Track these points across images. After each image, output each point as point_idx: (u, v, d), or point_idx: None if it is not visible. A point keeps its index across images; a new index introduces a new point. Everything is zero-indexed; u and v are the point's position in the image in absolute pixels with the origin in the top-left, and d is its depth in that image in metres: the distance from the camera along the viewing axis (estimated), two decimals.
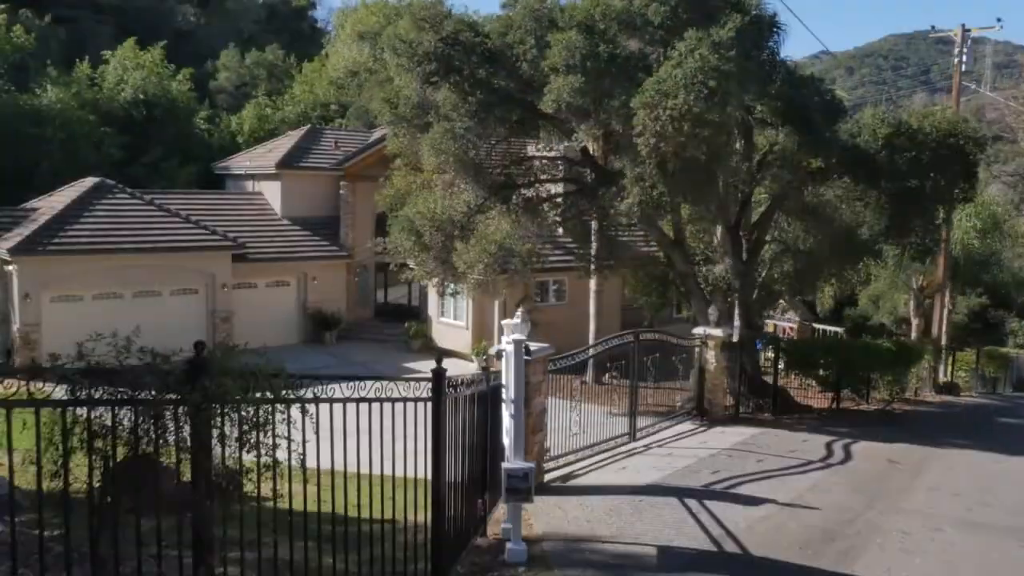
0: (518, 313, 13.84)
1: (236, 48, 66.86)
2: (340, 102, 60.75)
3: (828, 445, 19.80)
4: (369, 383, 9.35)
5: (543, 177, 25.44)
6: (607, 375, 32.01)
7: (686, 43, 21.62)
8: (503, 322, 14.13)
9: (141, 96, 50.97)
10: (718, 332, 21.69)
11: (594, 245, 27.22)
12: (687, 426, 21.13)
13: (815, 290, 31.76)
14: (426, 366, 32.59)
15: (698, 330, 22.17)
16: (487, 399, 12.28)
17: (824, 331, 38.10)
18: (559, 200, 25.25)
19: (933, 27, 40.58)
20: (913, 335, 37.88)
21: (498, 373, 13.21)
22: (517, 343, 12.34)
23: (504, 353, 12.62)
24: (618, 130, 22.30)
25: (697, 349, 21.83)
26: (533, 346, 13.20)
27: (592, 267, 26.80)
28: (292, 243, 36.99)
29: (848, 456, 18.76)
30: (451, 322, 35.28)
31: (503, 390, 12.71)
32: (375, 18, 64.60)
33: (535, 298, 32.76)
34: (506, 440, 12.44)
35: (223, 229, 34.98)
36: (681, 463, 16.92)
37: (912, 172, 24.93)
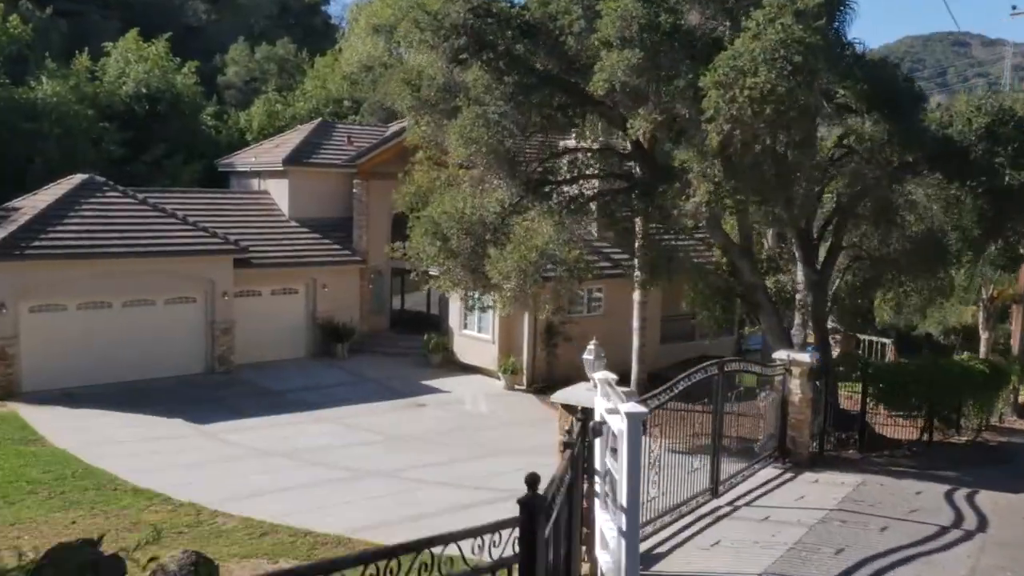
0: (591, 348, 10.00)
1: (246, 42, 63.09)
2: (354, 98, 56.99)
3: (948, 498, 15.97)
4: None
5: (588, 172, 21.51)
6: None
7: (765, 11, 17.85)
8: (595, 377, 10.25)
9: (144, 90, 47.32)
10: (804, 358, 17.81)
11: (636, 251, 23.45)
12: (771, 471, 17.28)
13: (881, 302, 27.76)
14: (449, 384, 28.80)
15: (780, 355, 18.27)
16: (572, 487, 8.43)
17: (869, 343, 34.25)
18: (606, 200, 21.26)
19: (1014, 7, 36.76)
20: (982, 351, 33.85)
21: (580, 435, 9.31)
22: (634, 420, 8.44)
23: (609, 432, 8.71)
24: (684, 114, 18.43)
25: (779, 378, 17.90)
26: (631, 408, 9.17)
27: (644, 276, 22.88)
28: (300, 247, 33.21)
29: (982, 517, 14.84)
30: (475, 335, 31.44)
31: (600, 479, 8.83)
32: (390, 11, 60.95)
33: (567, 309, 28.84)
34: (606, 556, 8.55)
35: (224, 231, 31.27)
36: (789, 535, 13.05)
37: (1018, 165, 21.01)
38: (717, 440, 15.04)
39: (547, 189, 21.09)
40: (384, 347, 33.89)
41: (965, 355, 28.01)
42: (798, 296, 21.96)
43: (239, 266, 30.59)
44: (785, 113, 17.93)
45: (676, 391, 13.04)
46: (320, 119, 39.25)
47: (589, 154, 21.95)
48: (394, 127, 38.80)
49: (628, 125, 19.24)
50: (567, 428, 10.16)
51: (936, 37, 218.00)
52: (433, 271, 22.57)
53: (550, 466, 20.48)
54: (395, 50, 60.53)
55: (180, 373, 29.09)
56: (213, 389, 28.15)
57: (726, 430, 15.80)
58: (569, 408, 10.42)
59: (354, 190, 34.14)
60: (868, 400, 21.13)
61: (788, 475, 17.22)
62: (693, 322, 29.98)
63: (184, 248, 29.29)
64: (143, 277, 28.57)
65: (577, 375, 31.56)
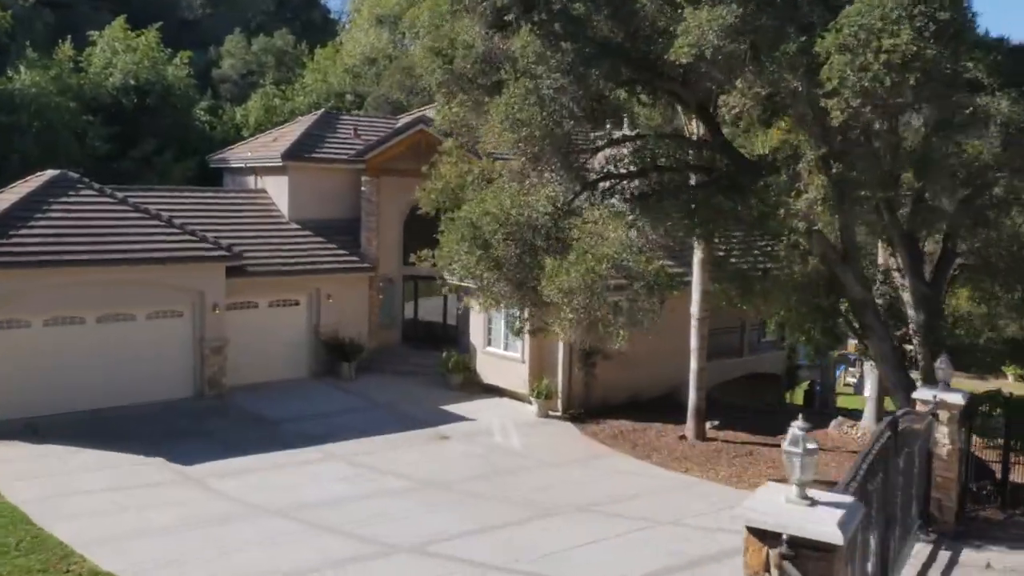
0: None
1: (242, 34, 58.74)
2: (357, 92, 52.76)
3: None
4: None
5: (661, 163, 17.23)
6: (709, 424, 23.94)
7: None
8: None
9: (132, 82, 43.05)
10: (955, 398, 13.59)
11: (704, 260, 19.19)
12: (919, 547, 12.97)
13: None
14: (473, 410, 24.02)
15: (923, 395, 14.06)
16: None
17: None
18: (682, 197, 16.92)
19: None
20: None
21: None
22: None
23: None
24: (797, 87, 14.18)
25: (921, 425, 13.64)
26: None
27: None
28: (302, 252, 28.89)
29: None
30: (501, 353, 27.19)
31: None
32: (394, 0, 56.84)
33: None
34: None
35: (216, 235, 27.02)
36: None
37: None
38: (886, 549, 10.69)
39: (608, 185, 16.80)
40: (396, 365, 29.60)
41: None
42: (910, 314, 17.73)
43: (233, 275, 26.31)
44: (927, 84, 13.78)
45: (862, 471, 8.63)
46: (323, 110, 34.94)
47: (666, 142, 17.63)
48: (405, 119, 34.56)
49: (721, 103, 14.97)
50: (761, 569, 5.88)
51: None
52: (468, 283, 18.35)
53: (620, 537, 16.53)
54: (400, 42, 56.58)
55: (164, 398, 24.82)
56: (201, 418, 23.88)
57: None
58: (759, 533, 6.14)
59: (362, 188, 29.86)
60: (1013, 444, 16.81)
61: (943, 551, 12.97)
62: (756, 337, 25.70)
63: (169, 255, 24.99)
64: (121, 288, 24.29)
65: (616, 398, 28.09)
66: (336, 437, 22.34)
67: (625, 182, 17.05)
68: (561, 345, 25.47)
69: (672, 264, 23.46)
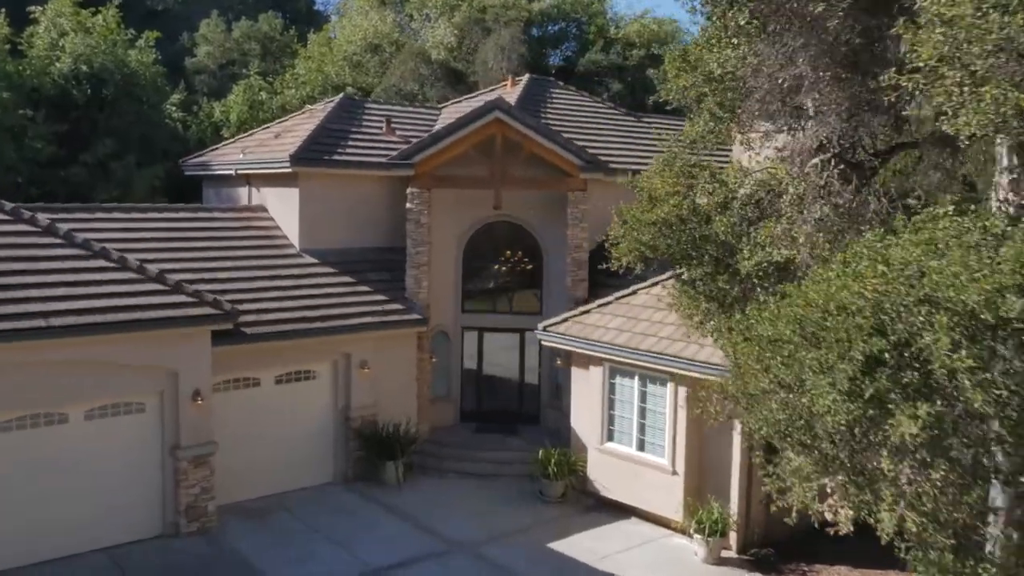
0: None
1: (221, 17, 48.39)
2: (358, 84, 42.54)
3: None
4: None
5: None
6: None
7: None
8: None
9: (85, 68, 32.53)
10: None
11: None
12: None
13: None
14: (600, 550, 12.05)
15: None
16: None
17: None
18: None
19: None
20: None
21: None
22: None
23: None
24: None
25: None
26: None
27: None
28: (321, 300, 18.96)
29: None
30: (632, 453, 17.43)
31: None
32: None
33: None
34: None
35: (195, 278, 17.15)
36: None
37: None
38: None
39: None
40: (460, 461, 19.71)
41: None
42: None
43: (222, 340, 16.41)
44: None
45: None
46: (342, 95, 24.78)
47: None
48: (451, 108, 24.68)
49: None
50: None
51: None
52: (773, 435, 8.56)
53: None
54: (407, 25, 46.57)
55: (113, 543, 15.09)
56: None
57: None
58: None
59: (408, 205, 19.90)
60: None
61: None
62: None
63: (122, 318, 14.98)
64: (43, 373, 14.30)
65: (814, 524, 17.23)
66: None
67: None
68: (736, 446, 15.79)
69: None
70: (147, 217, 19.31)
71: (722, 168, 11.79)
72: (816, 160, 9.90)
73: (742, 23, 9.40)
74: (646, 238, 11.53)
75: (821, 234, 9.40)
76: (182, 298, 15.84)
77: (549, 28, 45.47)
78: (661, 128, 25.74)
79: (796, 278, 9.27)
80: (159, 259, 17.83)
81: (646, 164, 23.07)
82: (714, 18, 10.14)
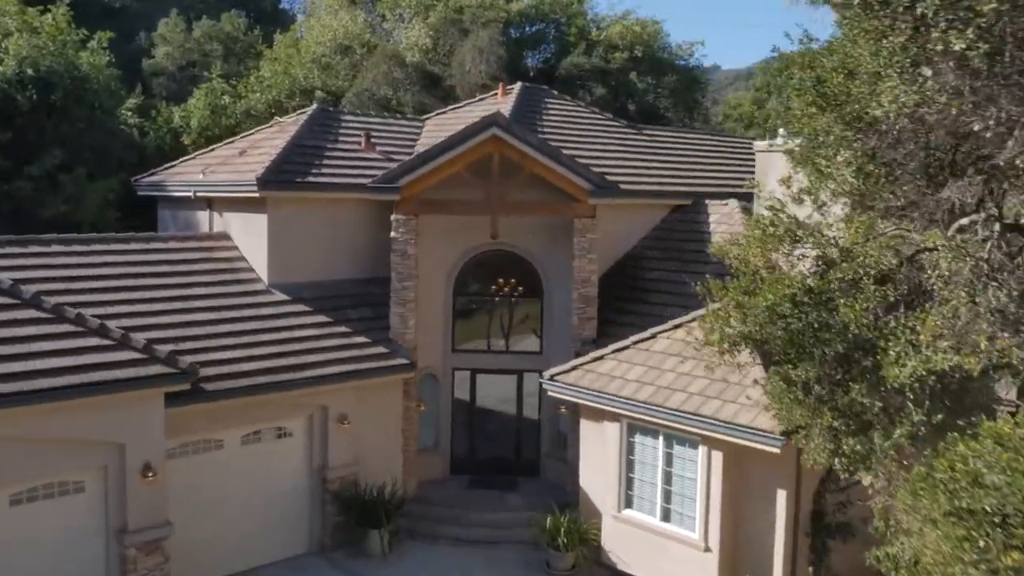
0: None
1: (180, 16, 45.32)
2: (328, 87, 39.70)
3: None
4: None
5: None
6: None
7: None
8: None
9: (31, 72, 29.46)
10: None
11: None
12: None
13: None
14: None
15: None
16: None
17: None
18: None
19: None
20: None
21: None
22: None
23: None
24: None
25: None
26: None
27: None
28: (294, 345, 16.33)
29: None
30: (653, 523, 15.01)
31: None
32: None
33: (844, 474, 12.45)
34: None
35: (146, 324, 14.44)
36: None
37: None
38: None
39: None
40: (453, 525, 17.16)
41: None
42: None
43: (178, 402, 13.74)
44: None
45: None
46: (316, 106, 21.98)
47: None
48: (435, 120, 22.17)
49: None
50: None
51: None
52: None
53: None
54: (379, 25, 43.79)
55: None
56: None
57: None
58: None
59: (392, 234, 17.27)
60: None
61: None
62: None
63: (54, 384, 12.23)
64: None
65: None
66: None
67: None
68: (781, 514, 13.46)
69: None
70: (91, 251, 16.47)
71: (838, 231, 9.11)
72: (964, 221, 7.46)
73: (959, 46, 6.69)
74: (749, 328, 8.83)
75: (1006, 333, 6.96)
76: (130, 355, 13.16)
77: (527, 29, 42.89)
78: (663, 141, 23.41)
79: (972, 398, 6.87)
80: (105, 301, 15.14)
81: (653, 183, 20.83)
82: (889, 38, 7.38)
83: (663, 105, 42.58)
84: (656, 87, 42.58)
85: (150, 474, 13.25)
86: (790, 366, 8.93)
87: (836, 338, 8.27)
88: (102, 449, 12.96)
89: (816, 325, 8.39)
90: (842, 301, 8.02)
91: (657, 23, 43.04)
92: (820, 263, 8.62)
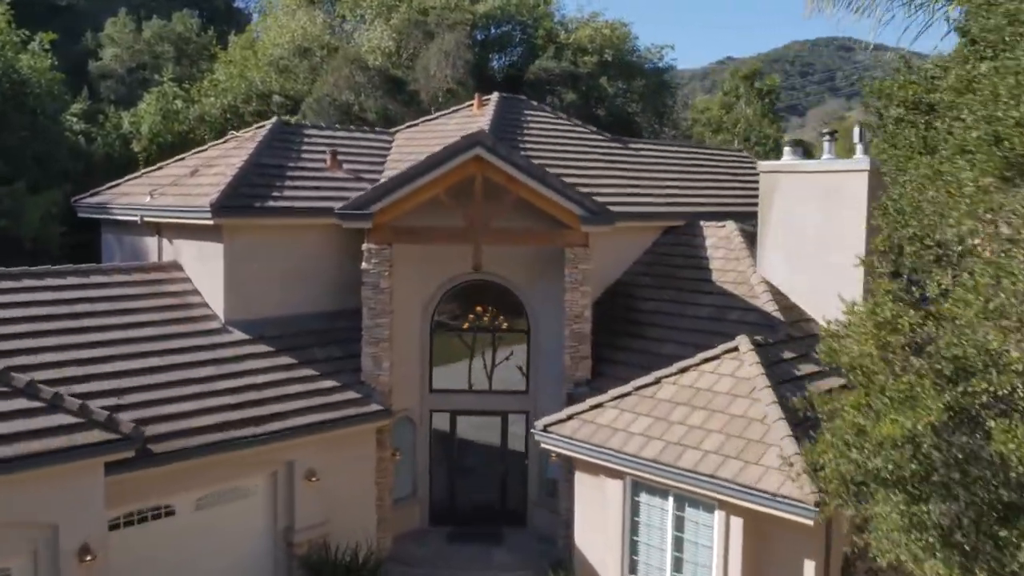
0: None
1: (129, 16, 42.84)
2: (286, 92, 37.55)
3: None
4: None
5: None
6: None
7: None
8: None
9: None
10: None
11: None
12: None
13: None
14: None
15: None
16: None
17: None
18: None
19: None
20: None
21: None
22: None
23: None
24: None
25: None
26: None
27: None
28: (254, 394, 14.41)
29: None
30: None
31: None
32: None
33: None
34: None
35: (83, 375, 12.49)
36: None
37: None
38: None
39: None
40: None
41: None
42: None
43: (120, 468, 11.75)
44: None
45: None
46: (275, 119, 19.87)
47: None
48: (405, 134, 20.33)
49: None
50: None
51: (821, 42, 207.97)
52: None
53: None
54: (340, 27, 41.65)
55: None
56: None
57: None
58: None
59: (364, 265, 15.39)
60: None
61: None
62: None
63: None
64: None
65: None
66: None
67: None
68: None
69: None
70: (20, 287, 14.38)
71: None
72: None
73: None
74: (874, 463, 6.82)
75: None
76: (63, 419, 11.19)
77: (492, 31, 41.02)
78: (651, 156, 21.71)
79: None
80: (35, 348, 13.12)
81: (644, 203, 19.13)
82: None
83: (632, 110, 41.00)
84: (626, 91, 40.98)
85: (88, 557, 11.29)
86: (922, 504, 6.94)
87: (991, 475, 6.44)
88: (31, 532, 10.98)
89: (961, 456, 6.52)
90: (993, 424, 6.21)
91: (626, 25, 41.45)
92: (955, 369, 6.75)
